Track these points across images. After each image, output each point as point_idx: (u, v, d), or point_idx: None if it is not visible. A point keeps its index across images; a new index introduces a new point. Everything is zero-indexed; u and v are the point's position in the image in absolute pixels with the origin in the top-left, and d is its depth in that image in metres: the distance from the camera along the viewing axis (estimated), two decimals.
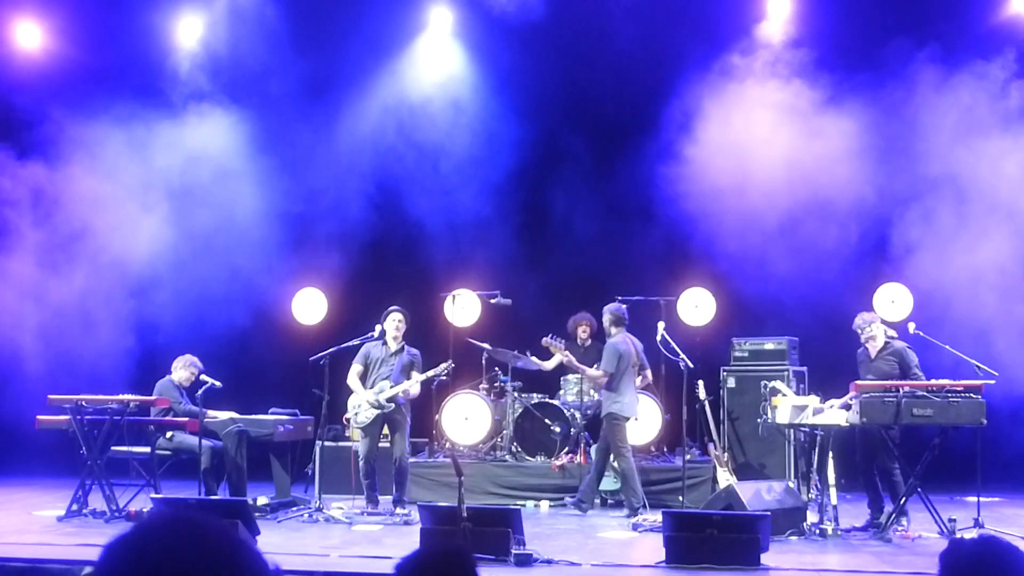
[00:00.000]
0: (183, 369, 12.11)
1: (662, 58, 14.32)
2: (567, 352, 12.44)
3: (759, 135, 14.35)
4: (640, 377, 12.35)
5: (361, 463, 11.81)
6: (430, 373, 12.03)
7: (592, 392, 13.17)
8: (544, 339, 12.47)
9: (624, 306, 12.34)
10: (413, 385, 11.79)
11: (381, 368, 11.79)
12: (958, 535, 9.72)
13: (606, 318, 12.16)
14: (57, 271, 14.57)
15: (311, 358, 12.06)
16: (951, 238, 13.44)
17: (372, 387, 11.73)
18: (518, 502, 12.10)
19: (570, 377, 13.34)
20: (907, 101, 13.85)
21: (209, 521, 2.15)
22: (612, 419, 11.80)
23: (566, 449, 13.09)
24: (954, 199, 13.57)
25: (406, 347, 11.91)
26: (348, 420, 12.17)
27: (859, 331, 10.99)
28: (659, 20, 14.28)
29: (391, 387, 11.65)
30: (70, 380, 12.95)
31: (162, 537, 2.10)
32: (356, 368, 11.88)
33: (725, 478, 11.71)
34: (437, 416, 13.52)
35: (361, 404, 11.73)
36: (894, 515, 10.12)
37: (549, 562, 8.77)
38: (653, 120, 14.46)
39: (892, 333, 10.93)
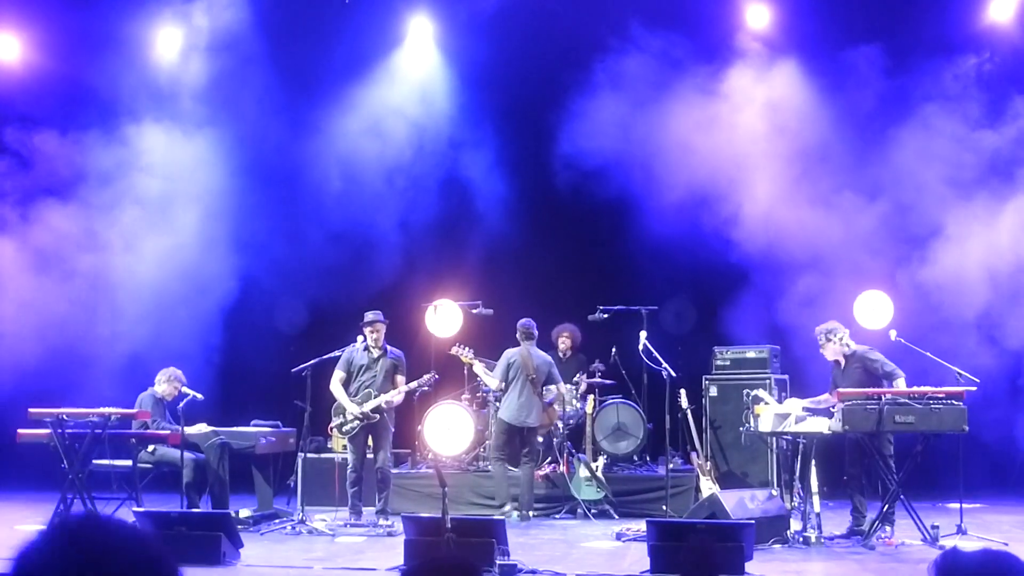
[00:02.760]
0: (166, 383, 12.03)
1: (650, 63, 14.37)
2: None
3: (738, 143, 14.41)
4: (553, 388, 12.61)
5: (349, 472, 11.82)
6: (413, 385, 12.05)
7: (575, 402, 13.20)
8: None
9: (533, 322, 12.75)
10: (397, 394, 11.80)
11: (364, 374, 11.79)
12: (941, 542, 9.76)
13: (518, 332, 12.62)
14: (36, 285, 14.47)
15: (293, 370, 12.05)
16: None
17: (356, 394, 11.72)
18: (511, 509, 12.09)
19: (552, 388, 13.36)
20: (887, 107, 13.95)
21: (114, 522, 2.22)
22: (497, 421, 12.41)
23: (549, 459, 13.10)
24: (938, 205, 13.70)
25: (389, 349, 11.91)
26: (332, 429, 12.13)
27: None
28: (646, 26, 14.33)
29: (375, 396, 11.64)
30: (51, 393, 12.89)
31: (69, 540, 2.17)
32: (339, 375, 11.86)
33: (708, 487, 11.72)
34: (419, 427, 13.49)
35: (345, 414, 11.71)
36: (877, 522, 10.14)
37: (534, 572, 8.77)
38: (636, 128, 14.47)
39: (854, 346, 10.92)
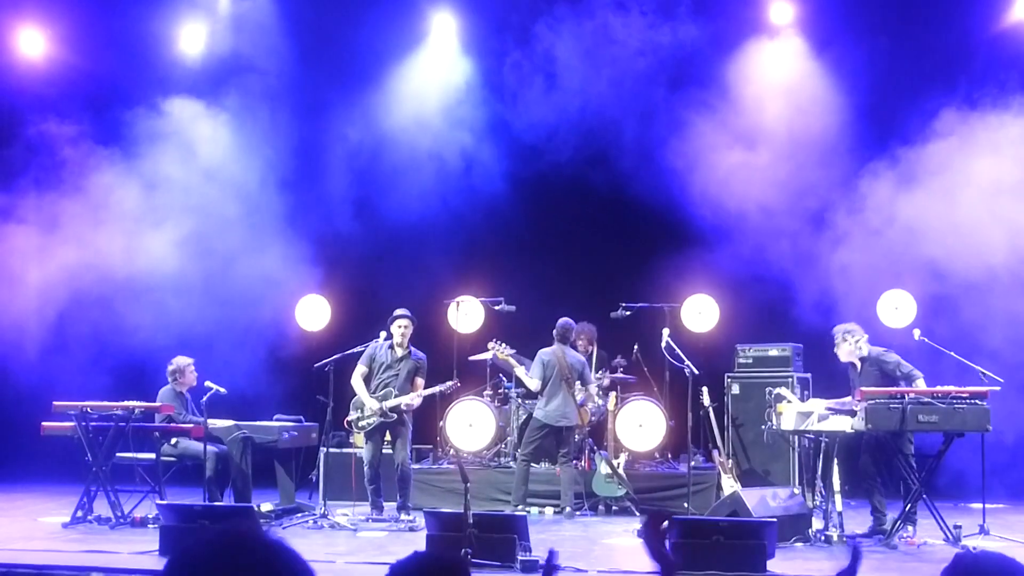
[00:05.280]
0: (179, 373, 12.06)
1: (665, 61, 14.36)
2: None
3: (763, 140, 14.38)
4: (581, 391, 12.43)
5: (366, 468, 11.82)
6: (433, 390, 12.05)
7: (597, 399, 13.18)
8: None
9: (571, 321, 12.66)
10: (416, 398, 11.79)
11: (386, 373, 11.78)
12: (963, 542, 9.72)
13: (555, 332, 12.50)
14: (61, 279, 14.54)
15: (315, 365, 12.08)
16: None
17: (376, 391, 11.72)
18: (523, 509, 12.08)
19: (582, 387, 13.32)
20: (908, 106, 13.90)
21: (260, 534, 2.36)
22: (532, 420, 12.43)
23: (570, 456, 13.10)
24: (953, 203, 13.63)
25: (412, 350, 11.89)
26: (349, 423, 12.13)
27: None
28: (673, 29, 14.33)
29: (395, 396, 11.65)
30: (75, 386, 12.97)
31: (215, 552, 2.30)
32: (360, 369, 11.86)
33: (730, 485, 11.71)
34: (441, 423, 13.52)
35: (363, 409, 11.73)
36: (899, 522, 10.10)
37: (554, 564, 8.74)
38: (657, 125, 14.47)
39: (867, 350, 10.87)
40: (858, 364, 10.86)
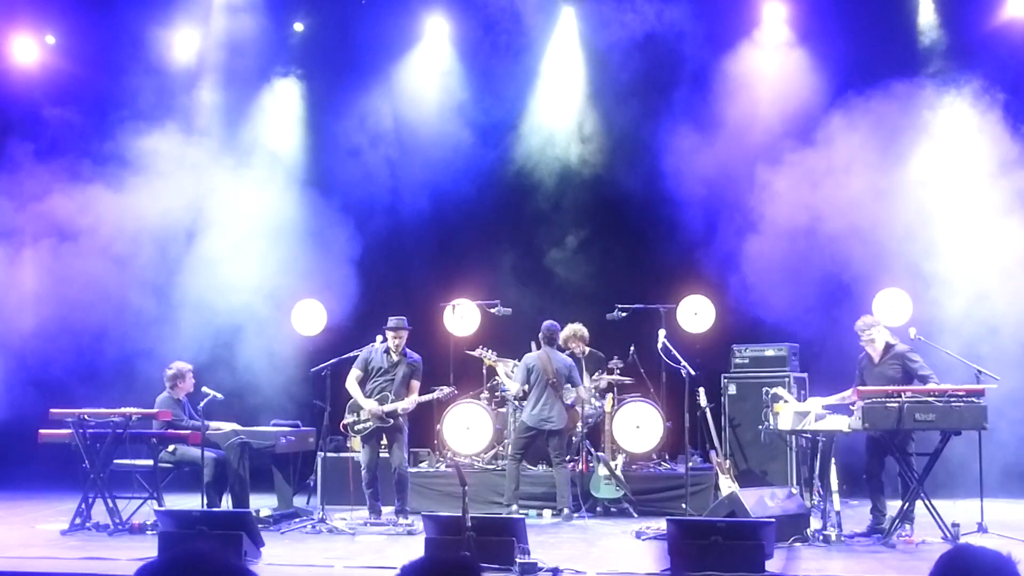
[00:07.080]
0: (177, 379, 12.02)
1: (665, 65, 14.37)
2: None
3: (759, 140, 14.38)
4: (573, 391, 12.44)
5: (363, 472, 11.82)
6: (429, 396, 12.06)
7: (593, 400, 13.18)
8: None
9: (556, 324, 12.69)
10: (411, 403, 11.78)
11: (382, 377, 11.77)
12: (962, 540, 9.72)
13: (540, 335, 12.54)
14: (58, 284, 14.53)
15: (312, 369, 12.07)
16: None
17: (371, 395, 11.70)
18: (520, 511, 12.07)
19: (572, 390, 13.32)
20: (904, 111, 13.92)
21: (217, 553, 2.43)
22: (519, 423, 12.51)
23: (568, 457, 13.09)
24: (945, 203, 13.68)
25: (408, 354, 11.88)
26: (346, 427, 12.12)
27: (860, 333, 10.98)
28: (665, 28, 14.34)
29: (391, 400, 11.63)
30: (72, 393, 12.96)
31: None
32: (355, 373, 11.85)
33: (727, 485, 11.70)
34: (438, 426, 13.51)
35: (359, 413, 11.72)
36: (897, 520, 10.11)
37: (554, 571, 8.76)
38: (654, 127, 14.48)
39: (894, 340, 10.89)
40: (876, 356, 10.84)
